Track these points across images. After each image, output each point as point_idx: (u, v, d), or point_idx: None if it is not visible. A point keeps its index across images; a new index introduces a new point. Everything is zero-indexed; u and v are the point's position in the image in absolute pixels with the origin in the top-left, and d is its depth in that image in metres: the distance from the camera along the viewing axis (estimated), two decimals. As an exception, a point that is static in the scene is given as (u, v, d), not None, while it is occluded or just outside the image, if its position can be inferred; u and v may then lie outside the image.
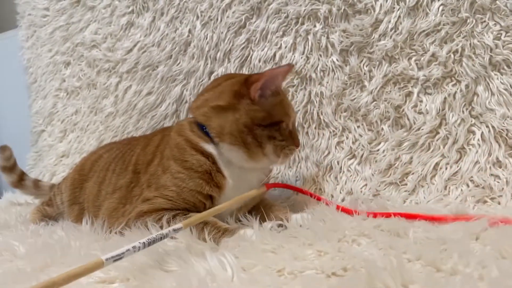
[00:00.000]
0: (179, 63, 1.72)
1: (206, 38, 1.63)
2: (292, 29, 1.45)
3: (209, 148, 1.01)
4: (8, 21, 2.55)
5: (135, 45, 1.85)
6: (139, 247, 0.69)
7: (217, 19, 1.61)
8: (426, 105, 1.22)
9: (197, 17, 1.66)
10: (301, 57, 1.42)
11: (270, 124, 1.00)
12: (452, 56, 1.19)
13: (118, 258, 0.65)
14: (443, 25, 1.21)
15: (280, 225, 0.94)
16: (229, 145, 0.99)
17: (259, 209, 1.07)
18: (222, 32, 1.59)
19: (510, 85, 1.13)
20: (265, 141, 0.99)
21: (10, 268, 0.82)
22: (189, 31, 1.68)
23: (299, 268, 0.68)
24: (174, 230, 0.79)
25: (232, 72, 1.56)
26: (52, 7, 2.20)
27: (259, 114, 0.99)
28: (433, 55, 1.22)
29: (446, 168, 1.16)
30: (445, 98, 1.20)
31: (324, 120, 1.38)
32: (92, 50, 2.03)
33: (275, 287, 0.60)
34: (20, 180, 1.73)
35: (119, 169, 1.19)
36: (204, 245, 0.84)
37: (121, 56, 1.90)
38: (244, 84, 1.00)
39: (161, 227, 0.90)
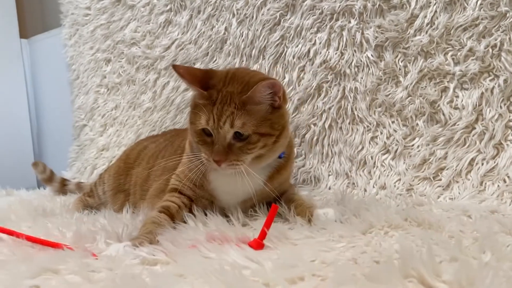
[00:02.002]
0: (215, 60, 1.76)
1: (242, 36, 1.67)
2: (326, 25, 1.46)
3: None
4: (53, 20, 2.67)
5: (173, 43, 1.91)
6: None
7: (252, 17, 1.64)
8: (462, 101, 1.21)
9: (233, 15, 1.69)
10: (336, 53, 1.44)
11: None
12: (490, 50, 1.18)
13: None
14: (481, 19, 1.19)
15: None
16: None
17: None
18: (257, 30, 1.62)
19: (551, 80, 1.11)
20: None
21: (58, 252, 0.89)
22: (225, 28, 1.72)
23: (331, 258, 0.70)
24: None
25: (267, 69, 1.59)
26: (93, 6, 2.29)
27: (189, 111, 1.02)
28: (470, 50, 1.21)
29: (482, 164, 1.15)
30: (482, 93, 1.19)
31: (358, 116, 1.39)
32: (132, 48, 2.10)
33: (309, 273, 0.62)
34: (63, 186, 1.87)
35: (168, 154, 1.25)
36: (236, 233, 0.86)
37: (159, 53, 1.96)
38: None
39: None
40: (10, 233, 0.95)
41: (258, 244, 0.79)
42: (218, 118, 0.92)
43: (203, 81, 0.97)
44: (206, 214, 0.98)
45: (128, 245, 0.81)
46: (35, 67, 2.79)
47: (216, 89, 0.95)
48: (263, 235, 0.80)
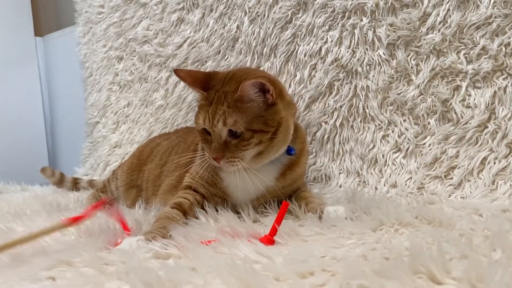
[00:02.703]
0: (227, 58, 1.77)
1: (254, 34, 1.67)
2: (338, 23, 1.46)
3: None
4: (67, 18, 2.70)
5: (185, 41, 1.92)
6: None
7: (264, 15, 1.64)
8: (474, 99, 1.21)
9: (245, 13, 1.70)
10: (347, 51, 1.44)
11: None
12: (504, 49, 1.17)
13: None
14: (495, 17, 1.19)
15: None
16: None
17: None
18: (268, 28, 1.63)
19: None
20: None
21: (74, 241, 0.91)
22: (237, 27, 1.73)
23: (341, 255, 0.70)
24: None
25: (278, 67, 1.59)
26: (106, 4, 2.32)
27: None
28: (483, 48, 1.20)
29: (495, 163, 1.14)
30: (495, 92, 1.18)
31: (369, 114, 1.39)
32: (144, 46, 2.12)
33: (319, 268, 0.63)
34: (75, 184, 1.92)
35: (181, 150, 1.28)
36: (247, 230, 0.87)
37: (171, 51, 1.98)
38: None
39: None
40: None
41: (268, 240, 0.79)
42: (213, 117, 0.96)
43: (204, 82, 1.01)
44: (217, 210, 1.00)
45: (141, 239, 0.82)
46: (49, 65, 2.83)
47: (214, 90, 0.99)
48: (273, 231, 0.81)
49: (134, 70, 2.18)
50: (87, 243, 0.88)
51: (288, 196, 1.10)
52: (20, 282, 0.66)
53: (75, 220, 0.87)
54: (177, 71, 1.04)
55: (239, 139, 0.96)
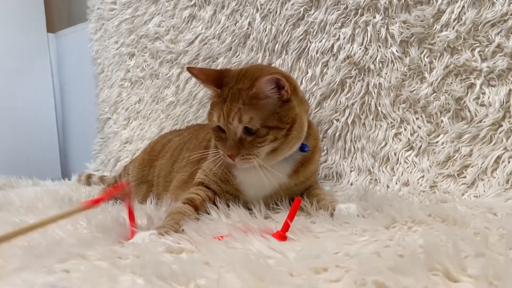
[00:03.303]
0: (238, 55, 1.77)
1: (265, 31, 1.67)
2: (351, 20, 1.45)
3: None
4: (79, 15, 2.72)
5: (196, 37, 1.93)
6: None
7: (276, 12, 1.64)
8: (489, 97, 1.19)
9: (257, 10, 1.70)
10: (360, 48, 1.43)
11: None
12: (519, 47, 1.16)
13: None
14: (510, 15, 1.17)
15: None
16: None
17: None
18: (280, 25, 1.62)
19: None
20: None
21: (86, 235, 0.91)
22: (249, 23, 1.73)
23: (354, 251, 0.70)
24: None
25: (290, 64, 1.59)
26: (119, 0, 2.33)
27: None
28: (498, 46, 1.19)
29: (509, 162, 1.13)
30: (510, 90, 1.17)
31: (381, 112, 1.38)
32: (156, 42, 2.13)
33: (333, 264, 0.63)
34: (88, 179, 1.96)
35: (193, 146, 1.29)
36: (258, 225, 0.87)
37: (183, 47, 1.98)
38: None
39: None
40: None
41: (281, 236, 0.79)
42: (228, 114, 0.96)
43: (217, 80, 1.01)
44: (228, 206, 1.00)
45: (153, 233, 0.83)
46: (61, 61, 2.85)
47: (228, 87, 0.98)
48: (286, 227, 0.81)
49: (145, 66, 2.19)
50: (99, 237, 0.89)
51: (300, 194, 1.09)
52: (36, 274, 0.67)
53: (95, 203, 0.87)
54: (190, 69, 1.04)
55: (254, 136, 0.95)
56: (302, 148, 1.06)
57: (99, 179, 1.91)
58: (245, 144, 0.96)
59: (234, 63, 1.76)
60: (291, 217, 0.82)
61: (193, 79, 1.93)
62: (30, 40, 2.72)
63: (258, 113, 0.94)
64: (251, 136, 0.95)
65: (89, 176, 1.95)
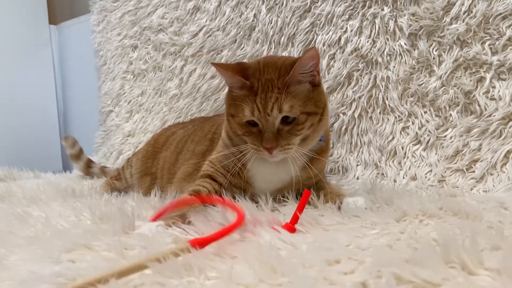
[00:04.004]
0: (243, 47, 1.75)
1: (271, 23, 1.65)
2: (358, 12, 1.44)
3: None
4: (82, 7, 2.70)
5: (200, 30, 1.91)
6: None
7: (282, 3, 1.62)
8: (499, 91, 1.18)
9: (263, 2, 1.68)
10: (367, 41, 1.41)
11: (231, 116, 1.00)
12: (531, 40, 1.14)
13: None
14: (522, 7, 1.16)
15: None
16: None
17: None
18: (286, 17, 1.61)
19: None
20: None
21: (91, 226, 0.90)
22: (254, 15, 1.71)
23: (366, 244, 0.69)
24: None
25: (296, 56, 1.57)
26: (122, -8, 2.30)
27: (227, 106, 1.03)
28: (509, 39, 1.17)
29: (519, 157, 1.11)
30: (520, 84, 1.15)
31: (389, 105, 1.36)
32: (159, 34, 2.11)
33: (345, 256, 0.61)
34: (88, 168, 1.91)
35: (198, 138, 1.27)
36: (266, 218, 0.86)
37: (186, 40, 1.96)
38: None
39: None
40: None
41: (290, 228, 0.78)
42: (264, 106, 0.92)
43: (241, 72, 0.97)
44: (234, 198, 0.98)
45: (161, 224, 0.81)
46: (64, 53, 2.83)
47: (255, 79, 0.95)
48: (295, 219, 0.79)
49: (148, 59, 2.17)
50: (104, 228, 0.87)
51: (309, 187, 1.07)
52: (42, 263, 0.65)
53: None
54: (216, 64, 1.00)
55: (292, 124, 0.93)
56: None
57: (99, 170, 1.88)
58: (282, 134, 0.93)
59: (239, 55, 1.74)
60: (300, 209, 0.80)
61: (197, 72, 1.91)
62: (32, 32, 2.70)
63: (296, 100, 0.92)
64: (288, 125, 0.93)
65: (88, 165, 1.91)
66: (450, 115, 1.25)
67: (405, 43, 1.34)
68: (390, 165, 1.32)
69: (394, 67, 1.36)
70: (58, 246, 0.73)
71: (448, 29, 1.27)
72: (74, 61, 2.79)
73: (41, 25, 2.75)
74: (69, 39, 2.80)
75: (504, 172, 1.12)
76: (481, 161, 1.17)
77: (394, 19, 1.36)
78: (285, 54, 1.61)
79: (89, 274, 0.59)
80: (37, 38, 2.73)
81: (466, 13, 1.24)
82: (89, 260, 0.66)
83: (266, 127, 0.94)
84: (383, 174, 1.32)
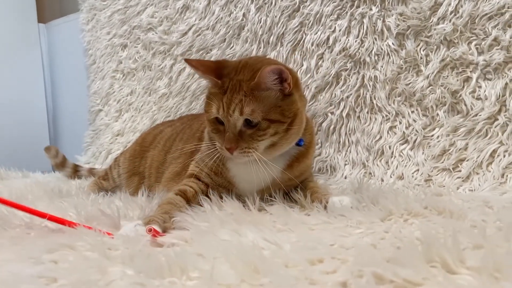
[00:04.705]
0: (233, 46, 1.75)
1: (260, 22, 1.65)
2: (347, 12, 1.44)
3: None
4: (71, 5, 2.68)
5: (190, 28, 1.90)
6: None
7: (271, 3, 1.62)
8: (485, 91, 1.18)
9: (252, 1, 1.68)
10: (356, 41, 1.41)
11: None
12: (516, 40, 1.15)
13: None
14: (508, 8, 1.16)
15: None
16: None
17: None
18: (275, 16, 1.61)
19: None
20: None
21: (74, 230, 0.89)
22: (243, 15, 1.71)
23: (350, 243, 0.69)
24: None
25: (285, 56, 1.57)
26: (111, -9, 2.29)
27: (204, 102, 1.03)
28: (495, 39, 1.18)
29: (504, 156, 1.12)
30: (506, 83, 1.16)
31: (377, 105, 1.37)
32: (148, 33, 2.10)
33: (329, 256, 0.61)
34: (75, 172, 1.89)
35: (186, 137, 1.26)
36: (252, 217, 0.86)
37: (176, 39, 1.95)
38: None
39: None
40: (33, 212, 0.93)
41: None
42: (228, 106, 0.93)
43: (216, 71, 0.97)
44: (221, 198, 0.98)
45: (139, 224, 0.81)
46: (53, 52, 2.81)
47: (228, 78, 0.95)
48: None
49: (138, 58, 2.16)
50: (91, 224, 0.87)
51: (294, 187, 1.08)
52: (22, 265, 0.65)
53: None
54: (189, 61, 1.01)
55: (254, 129, 0.93)
56: (298, 143, 1.04)
57: (88, 172, 1.87)
58: (244, 137, 0.93)
59: (228, 54, 1.74)
60: None
61: (186, 71, 1.91)
62: (20, 30, 2.68)
63: (260, 105, 0.91)
64: (251, 129, 0.93)
65: (75, 169, 1.90)
66: (437, 114, 1.26)
67: (392, 43, 1.34)
68: (377, 164, 1.33)
69: (382, 66, 1.36)
70: (41, 247, 0.72)
71: (435, 29, 1.27)
72: (63, 60, 2.77)
73: (30, 24, 2.72)
74: (58, 38, 2.78)
75: (490, 171, 1.13)
76: (467, 160, 1.17)
77: (382, 18, 1.37)
78: (274, 53, 1.61)
79: (70, 275, 0.59)
80: (26, 37, 2.71)
81: (453, 13, 1.24)
82: (71, 261, 0.66)
83: (228, 127, 0.94)
84: (370, 173, 1.33)
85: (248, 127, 0.93)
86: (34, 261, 0.66)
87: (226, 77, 0.95)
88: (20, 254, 0.71)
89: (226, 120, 0.94)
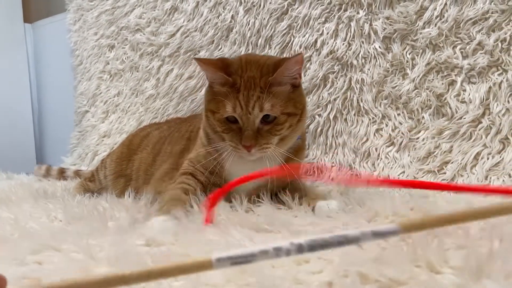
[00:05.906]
0: (221, 48, 1.75)
1: (248, 24, 1.65)
2: (334, 15, 1.45)
3: None
4: (57, 5, 2.65)
5: (178, 30, 1.90)
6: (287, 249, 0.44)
7: (260, 5, 1.63)
8: (469, 94, 1.20)
9: (240, 3, 1.68)
10: (343, 44, 1.43)
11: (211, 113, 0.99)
12: (500, 44, 1.17)
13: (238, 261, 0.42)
14: (492, 13, 1.18)
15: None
16: None
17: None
18: (264, 18, 1.61)
19: (560, 76, 1.11)
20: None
21: (61, 227, 0.89)
22: (232, 17, 1.71)
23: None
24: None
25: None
26: (99, -9, 2.27)
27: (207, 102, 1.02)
28: (479, 43, 1.20)
29: (488, 158, 1.14)
30: (490, 87, 1.18)
31: (363, 107, 1.38)
32: (136, 34, 2.09)
33: (315, 256, 0.61)
34: (62, 173, 1.90)
35: (175, 139, 1.26)
36: (239, 218, 0.86)
37: (164, 40, 1.95)
38: None
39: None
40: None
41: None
42: (246, 103, 0.92)
43: (224, 68, 0.96)
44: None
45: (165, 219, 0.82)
46: (39, 52, 2.78)
47: (237, 75, 0.95)
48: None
49: (125, 58, 2.15)
50: (75, 229, 0.86)
51: (283, 188, 1.08)
52: (5, 266, 0.64)
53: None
54: (199, 60, 1.00)
55: (271, 124, 0.94)
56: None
57: (74, 174, 1.86)
58: (262, 133, 0.94)
59: (216, 56, 1.74)
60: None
61: (174, 72, 1.90)
62: (6, 30, 2.64)
63: (277, 100, 0.93)
64: (268, 124, 0.94)
65: (61, 172, 1.89)
66: (423, 117, 1.27)
67: (379, 46, 1.36)
68: (364, 166, 1.34)
69: (369, 69, 1.38)
70: (25, 248, 0.71)
71: (421, 33, 1.29)
72: (50, 60, 2.74)
73: (15, 24, 2.69)
74: (44, 38, 2.75)
75: (474, 174, 1.15)
76: (452, 162, 1.19)
77: (369, 22, 1.38)
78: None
79: (55, 276, 0.58)
80: (11, 37, 2.67)
81: (438, 18, 1.26)
82: (56, 262, 0.65)
83: (246, 125, 0.93)
84: (357, 175, 1.34)
85: (265, 123, 0.94)
86: (17, 263, 0.65)
87: (234, 75, 0.95)
88: (2, 256, 0.70)
89: (245, 118, 0.93)
